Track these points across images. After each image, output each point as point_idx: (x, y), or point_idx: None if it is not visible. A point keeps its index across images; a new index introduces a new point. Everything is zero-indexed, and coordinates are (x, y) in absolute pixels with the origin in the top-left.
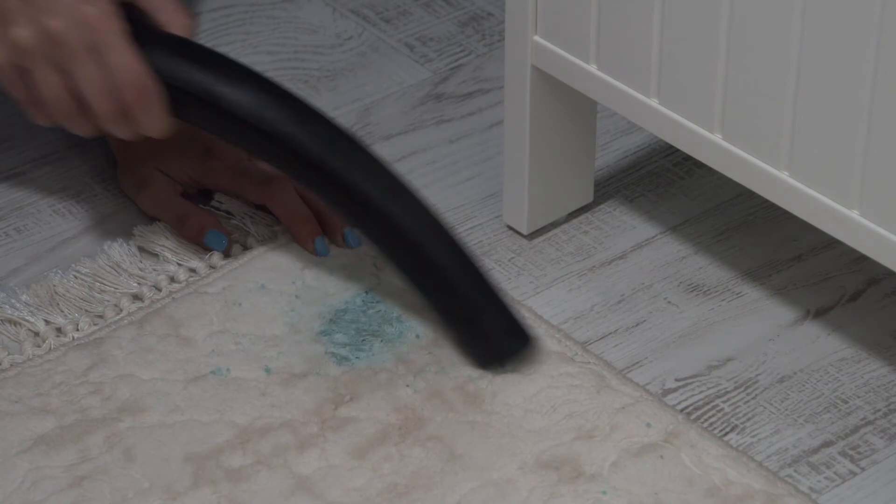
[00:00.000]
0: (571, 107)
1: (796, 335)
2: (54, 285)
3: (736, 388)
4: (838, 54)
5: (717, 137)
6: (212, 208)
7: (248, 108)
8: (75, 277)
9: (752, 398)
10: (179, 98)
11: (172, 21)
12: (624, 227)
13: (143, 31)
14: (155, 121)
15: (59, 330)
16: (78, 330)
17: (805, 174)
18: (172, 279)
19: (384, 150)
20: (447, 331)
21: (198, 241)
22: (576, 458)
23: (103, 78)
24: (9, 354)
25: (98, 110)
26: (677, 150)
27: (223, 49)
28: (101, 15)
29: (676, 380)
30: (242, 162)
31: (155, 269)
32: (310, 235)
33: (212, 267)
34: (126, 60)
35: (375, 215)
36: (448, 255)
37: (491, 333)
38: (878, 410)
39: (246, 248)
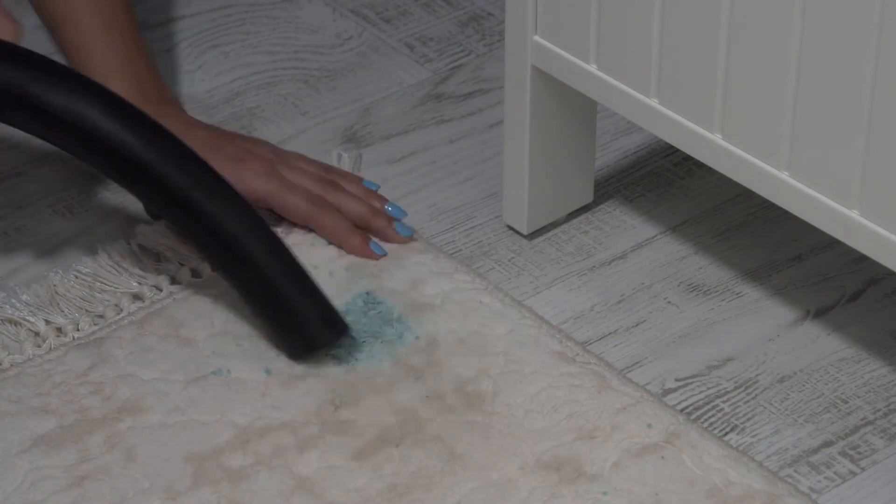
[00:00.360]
0: (571, 107)
1: (796, 335)
2: (55, 285)
3: (736, 388)
4: (838, 54)
5: (717, 137)
6: None
7: (63, 105)
8: (76, 277)
9: (752, 398)
10: None
11: None
12: (624, 227)
13: None
14: None
15: (59, 330)
16: (78, 330)
17: (805, 174)
18: (174, 279)
19: (384, 150)
20: (258, 318)
21: None
22: (577, 458)
23: None
24: (9, 354)
25: None
26: (677, 150)
27: (223, 49)
28: None
29: (676, 380)
30: (272, 170)
31: (156, 269)
32: (363, 244)
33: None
34: None
35: (185, 206)
36: (254, 240)
37: (302, 322)
38: (878, 410)
39: None
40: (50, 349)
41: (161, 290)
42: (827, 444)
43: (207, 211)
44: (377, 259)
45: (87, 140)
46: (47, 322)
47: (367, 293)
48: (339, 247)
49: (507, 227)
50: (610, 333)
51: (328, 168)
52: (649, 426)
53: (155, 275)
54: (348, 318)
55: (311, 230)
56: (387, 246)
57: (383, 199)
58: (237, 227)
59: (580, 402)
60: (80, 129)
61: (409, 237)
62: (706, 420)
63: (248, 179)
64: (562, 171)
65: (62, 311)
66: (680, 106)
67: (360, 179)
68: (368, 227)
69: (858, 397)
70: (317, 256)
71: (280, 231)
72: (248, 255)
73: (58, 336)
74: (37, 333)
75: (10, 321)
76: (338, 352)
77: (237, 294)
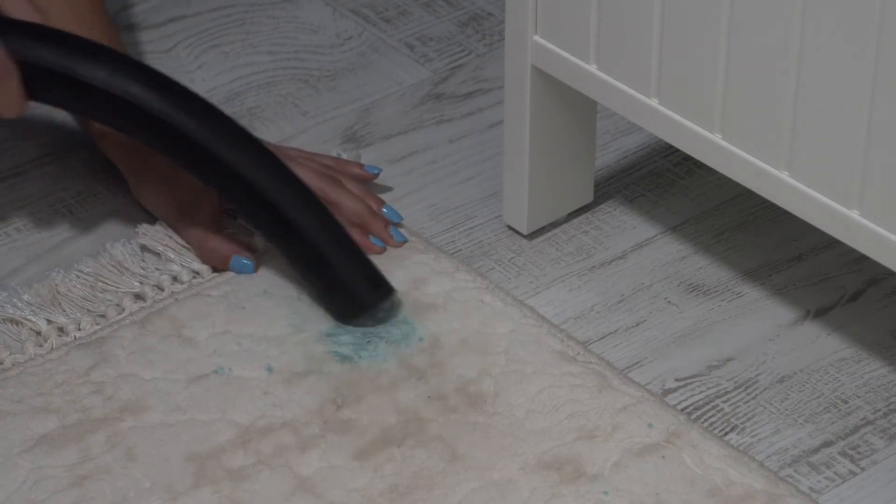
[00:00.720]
0: (571, 107)
1: (796, 335)
2: (56, 285)
3: (736, 388)
4: (838, 54)
5: (717, 137)
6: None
7: (101, 76)
8: (77, 277)
9: (752, 398)
10: (35, 76)
11: (20, 15)
12: (624, 227)
13: None
14: (10, 100)
15: (60, 329)
16: (80, 329)
17: (805, 174)
18: (175, 279)
19: (384, 150)
20: (307, 283)
21: (223, 268)
22: (577, 458)
23: None
24: (11, 354)
25: None
26: (677, 150)
27: (223, 49)
28: None
29: (676, 380)
30: None
31: (158, 269)
32: (363, 237)
33: (216, 271)
34: None
35: (232, 175)
36: (299, 205)
37: (348, 285)
38: (878, 410)
39: (252, 248)
40: (52, 349)
41: (163, 290)
42: (827, 444)
43: (253, 178)
44: (378, 252)
45: (131, 113)
46: (49, 322)
47: None
48: None
49: (507, 227)
50: (610, 333)
51: (328, 164)
52: (650, 426)
53: (157, 274)
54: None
55: None
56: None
57: (380, 201)
58: (282, 192)
59: (581, 402)
60: (123, 101)
61: (403, 242)
62: (706, 420)
63: None
64: (562, 171)
65: (64, 311)
66: (680, 106)
67: (361, 165)
68: (365, 226)
69: (858, 397)
70: None
71: None
72: (292, 220)
73: (59, 336)
74: (38, 333)
75: (12, 321)
76: (341, 350)
77: (285, 259)
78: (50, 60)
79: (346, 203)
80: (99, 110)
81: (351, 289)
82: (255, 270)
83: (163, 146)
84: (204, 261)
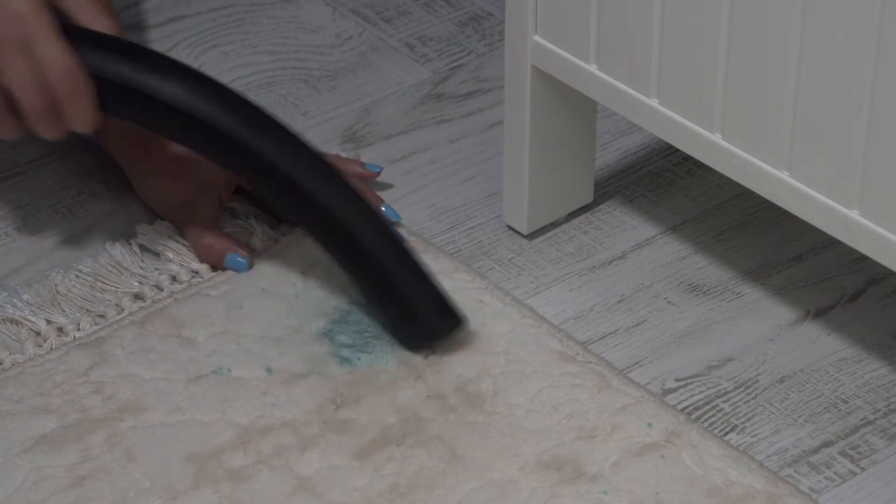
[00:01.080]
0: (571, 107)
1: (796, 335)
2: (56, 285)
3: (736, 388)
4: (838, 54)
5: (717, 137)
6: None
7: (176, 94)
8: (77, 277)
9: (752, 398)
10: (109, 90)
11: (94, 24)
12: (624, 227)
13: (70, 28)
14: (85, 114)
15: (60, 329)
16: (79, 329)
17: (805, 174)
18: (174, 279)
19: (384, 150)
20: (376, 310)
21: (217, 265)
22: (577, 458)
23: (33, 70)
24: (10, 354)
25: (26, 105)
26: (677, 150)
27: (223, 49)
28: (30, 9)
29: (676, 380)
30: None
31: (157, 269)
32: None
33: (214, 269)
34: (56, 52)
35: (303, 198)
36: (372, 233)
37: (420, 313)
38: (878, 410)
39: (251, 247)
40: (51, 349)
41: (162, 290)
42: (827, 444)
43: (324, 202)
44: None
45: (204, 132)
46: (48, 322)
47: None
48: None
49: (507, 227)
50: (610, 333)
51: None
52: (650, 425)
53: (156, 274)
54: (351, 318)
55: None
56: None
57: (380, 199)
58: (354, 218)
59: (580, 402)
60: (197, 120)
61: None
62: (706, 420)
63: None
64: (562, 171)
65: (63, 311)
66: (680, 106)
67: (363, 164)
68: None
69: (858, 397)
70: (320, 255)
71: (282, 229)
72: (364, 246)
73: (59, 336)
74: (38, 333)
75: (12, 321)
76: (340, 351)
77: (354, 284)
78: (125, 75)
79: None
80: (175, 128)
81: (423, 319)
82: (250, 269)
83: (233, 165)
84: (200, 258)
